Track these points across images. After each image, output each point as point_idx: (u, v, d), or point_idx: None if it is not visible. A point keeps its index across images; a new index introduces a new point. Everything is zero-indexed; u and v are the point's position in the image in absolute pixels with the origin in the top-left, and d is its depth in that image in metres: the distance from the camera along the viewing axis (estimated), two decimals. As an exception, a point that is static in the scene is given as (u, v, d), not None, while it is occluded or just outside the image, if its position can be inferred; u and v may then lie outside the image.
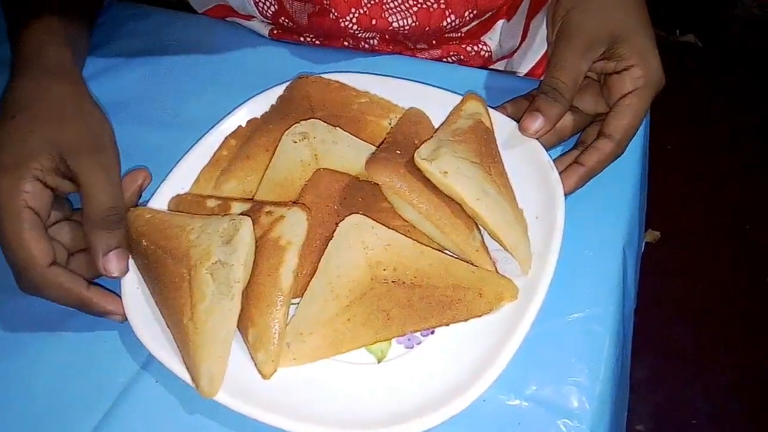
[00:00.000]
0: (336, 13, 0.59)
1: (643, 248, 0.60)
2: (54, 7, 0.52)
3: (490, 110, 0.49)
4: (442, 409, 0.38)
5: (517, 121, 0.48)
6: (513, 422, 0.40)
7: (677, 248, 1.39)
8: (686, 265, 1.38)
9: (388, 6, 0.59)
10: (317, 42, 0.65)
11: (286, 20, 0.62)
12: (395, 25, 0.60)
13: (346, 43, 0.64)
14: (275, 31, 0.65)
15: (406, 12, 0.59)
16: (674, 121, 1.55)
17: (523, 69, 0.68)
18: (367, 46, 0.64)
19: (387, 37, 0.63)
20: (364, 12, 0.59)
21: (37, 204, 0.42)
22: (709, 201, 1.49)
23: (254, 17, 0.65)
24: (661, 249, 1.38)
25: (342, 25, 0.60)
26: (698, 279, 1.35)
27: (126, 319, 0.43)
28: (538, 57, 0.67)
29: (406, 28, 0.60)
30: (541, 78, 0.48)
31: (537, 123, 0.46)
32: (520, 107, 0.50)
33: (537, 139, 0.47)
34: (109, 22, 0.64)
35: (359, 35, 0.62)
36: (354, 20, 0.59)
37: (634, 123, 0.47)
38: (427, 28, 0.60)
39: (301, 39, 0.65)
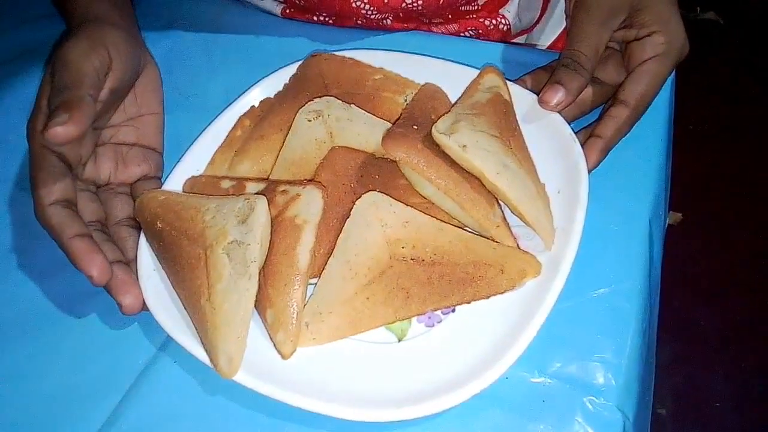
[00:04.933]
0: None
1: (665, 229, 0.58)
2: None
3: (509, 83, 0.48)
4: (465, 387, 0.37)
5: (537, 93, 0.46)
6: (537, 399, 0.39)
7: (699, 230, 1.37)
8: (708, 247, 1.36)
9: None
10: (330, 21, 0.64)
11: None
12: (408, 0, 0.58)
13: (360, 22, 0.63)
14: (287, 10, 0.64)
15: None
16: (695, 99, 1.51)
17: (543, 43, 0.66)
18: (380, 25, 0.63)
19: (401, 15, 0.61)
20: None
21: None
22: (730, 182, 1.46)
23: None
24: (683, 230, 1.35)
25: (354, 6, 0.59)
26: (720, 261, 1.33)
27: (132, 312, 0.42)
28: (559, 31, 0.66)
29: (419, 3, 0.59)
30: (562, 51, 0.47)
31: (558, 96, 0.44)
32: (540, 79, 0.49)
33: (558, 111, 0.45)
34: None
35: (372, 17, 0.60)
36: (366, 0, 0.58)
37: (651, 89, 0.45)
38: (441, 1, 0.59)
39: (314, 18, 0.64)
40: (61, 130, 0.39)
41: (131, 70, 0.47)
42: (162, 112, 0.51)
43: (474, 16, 0.64)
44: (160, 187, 0.47)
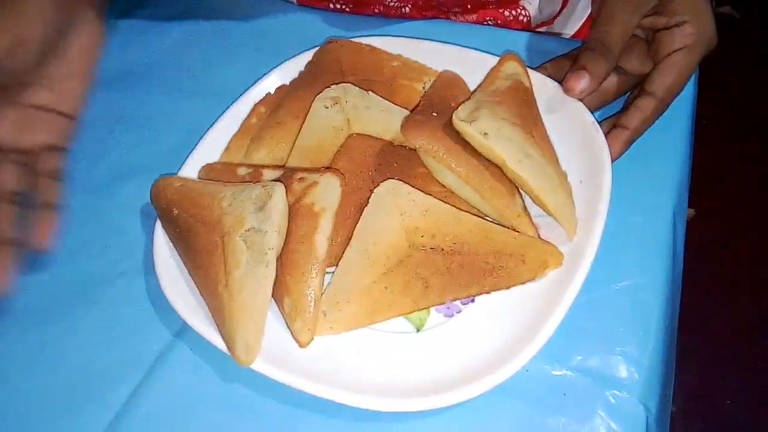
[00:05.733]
0: None
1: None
2: None
3: (530, 71, 0.47)
4: (484, 378, 0.36)
5: (559, 81, 0.45)
6: (558, 393, 0.38)
7: (712, 226, 1.35)
8: (720, 243, 1.34)
9: None
10: (347, 10, 0.63)
11: None
12: None
13: (377, 10, 0.62)
14: (304, -3, 0.63)
15: None
16: (710, 94, 1.49)
17: (565, 35, 0.65)
18: (399, 13, 0.62)
19: (420, 3, 0.60)
20: None
21: None
22: (744, 178, 1.44)
23: None
24: (695, 226, 1.34)
25: None
26: (732, 257, 1.32)
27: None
28: (580, 23, 0.64)
29: None
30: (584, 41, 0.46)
31: (582, 82, 0.43)
32: (562, 67, 0.47)
33: (582, 99, 0.44)
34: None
35: (391, 4, 0.59)
36: None
37: (680, 81, 0.44)
38: None
39: (330, 6, 0.63)
40: None
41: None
42: (92, 76, 0.45)
43: (494, 6, 0.62)
44: (64, 158, 0.43)
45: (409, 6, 0.60)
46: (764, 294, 1.26)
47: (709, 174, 1.39)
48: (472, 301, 0.41)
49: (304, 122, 0.47)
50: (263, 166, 0.46)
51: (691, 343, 1.19)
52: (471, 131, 0.40)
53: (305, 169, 0.44)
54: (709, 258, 1.31)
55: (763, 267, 1.30)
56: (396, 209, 0.41)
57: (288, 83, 0.51)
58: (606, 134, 0.44)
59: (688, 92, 0.50)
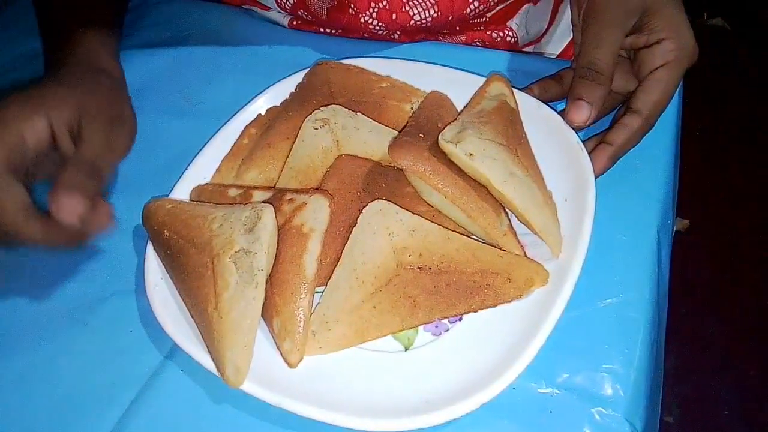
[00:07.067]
0: (355, 8, 0.58)
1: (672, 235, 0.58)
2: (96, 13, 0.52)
3: (515, 91, 0.48)
4: (472, 397, 0.37)
5: (545, 102, 0.46)
6: (544, 410, 0.39)
7: (706, 237, 1.36)
8: (715, 253, 1.35)
9: None
10: (336, 35, 0.64)
11: (305, 13, 0.61)
12: (417, 18, 0.58)
13: (366, 36, 0.63)
14: (294, 23, 0.64)
15: (426, 2, 0.57)
16: (703, 106, 1.51)
17: (551, 53, 0.66)
18: (389, 38, 0.63)
19: (408, 29, 0.61)
20: (384, 6, 0.57)
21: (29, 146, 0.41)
22: (738, 188, 1.45)
23: (272, 8, 0.64)
24: (690, 238, 1.34)
25: (362, 20, 0.59)
26: (727, 268, 1.32)
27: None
28: (566, 41, 0.65)
29: (428, 19, 0.58)
30: (571, 59, 0.46)
31: (583, 113, 0.43)
32: (548, 88, 0.48)
33: (563, 118, 0.45)
34: (131, 11, 0.64)
35: (380, 33, 0.60)
36: (374, 15, 0.58)
37: (664, 98, 0.45)
38: (450, 17, 0.59)
39: (321, 31, 0.64)
40: None
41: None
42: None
43: (482, 28, 0.63)
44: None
45: (398, 33, 0.61)
46: (759, 302, 1.26)
47: (703, 184, 1.40)
48: (460, 319, 0.41)
49: (294, 143, 0.48)
50: (253, 188, 0.46)
51: (687, 353, 1.19)
52: (456, 152, 0.41)
53: (294, 190, 0.44)
54: (703, 267, 1.31)
55: (758, 275, 1.30)
56: (384, 229, 0.42)
57: (279, 105, 0.52)
58: (591, 151, 0.45)
59: (672, 108, 0.51)
